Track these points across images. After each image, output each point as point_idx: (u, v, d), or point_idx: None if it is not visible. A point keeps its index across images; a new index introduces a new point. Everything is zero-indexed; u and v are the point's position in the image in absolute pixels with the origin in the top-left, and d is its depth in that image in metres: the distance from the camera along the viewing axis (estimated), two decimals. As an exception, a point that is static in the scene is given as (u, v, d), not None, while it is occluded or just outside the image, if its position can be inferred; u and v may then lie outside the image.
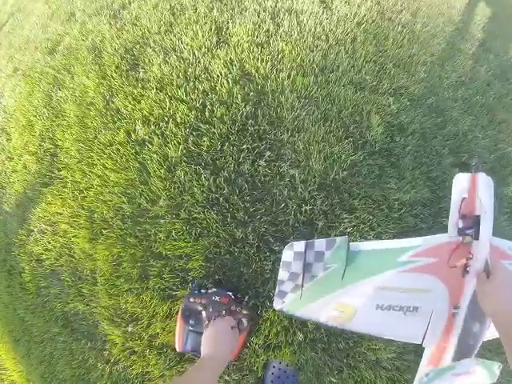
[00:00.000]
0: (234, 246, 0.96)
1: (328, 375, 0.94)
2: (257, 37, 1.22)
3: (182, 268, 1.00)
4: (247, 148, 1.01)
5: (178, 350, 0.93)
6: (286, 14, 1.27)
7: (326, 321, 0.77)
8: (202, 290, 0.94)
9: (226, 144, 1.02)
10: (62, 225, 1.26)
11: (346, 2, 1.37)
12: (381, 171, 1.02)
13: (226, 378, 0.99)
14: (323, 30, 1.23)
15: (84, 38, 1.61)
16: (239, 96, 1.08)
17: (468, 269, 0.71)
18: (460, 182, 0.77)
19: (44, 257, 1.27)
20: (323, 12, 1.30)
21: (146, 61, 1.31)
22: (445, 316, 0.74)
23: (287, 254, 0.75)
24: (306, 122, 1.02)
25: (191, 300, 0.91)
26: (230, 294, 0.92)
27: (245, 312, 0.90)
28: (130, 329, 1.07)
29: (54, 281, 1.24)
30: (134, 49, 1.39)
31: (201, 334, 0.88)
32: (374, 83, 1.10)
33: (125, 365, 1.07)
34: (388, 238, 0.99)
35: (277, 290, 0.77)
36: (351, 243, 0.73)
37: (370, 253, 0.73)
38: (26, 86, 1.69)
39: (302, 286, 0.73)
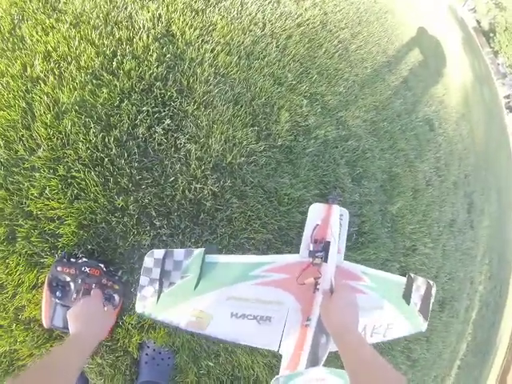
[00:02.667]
0: (112, 215, 0.74)
1: (205, 359, 0.81)
2: (195, 2, 0.95)
3: (53, 232, 0.75)
4: (147, 111, 0.78)
5: (45, 325, 0.71)
6: (233, -9, 1.02)
7: (186, 326, 0.70)
8: (72, 259, 0.72)
9: (126, 101, 0.77)
10: None
11: (295, 2, 1.16)
12: (277, 165, 0.88)
13: (99, 360, 0.79)
14: (263, 18, 1.02)
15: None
16: (155, 54, 0.82)
17: (318, 287, 0.69)
18: (316, 210, 0.76)
19: None
20: (270, 2, 1.08)
21: (70, -9, 0.96)
22: (298, 327, 0.72)
23: (148, 261, 0.67)
24: (216, 100, 0.83)
25: (58, 269, 0.70)
26: (102, 266, 0.72)
27: (116, 287, 0.72)
28: None
29: None
30: None
31: (66, 307, 0.68)
32: (294, 82, 0.94)
33: None
34: (273, 230, 0.87)
35: (138, 294, 0.68)
36: (208, 255, 0.68)
37: (225, 265, 0.69)
38: None
39: (161, 292, 0.67)
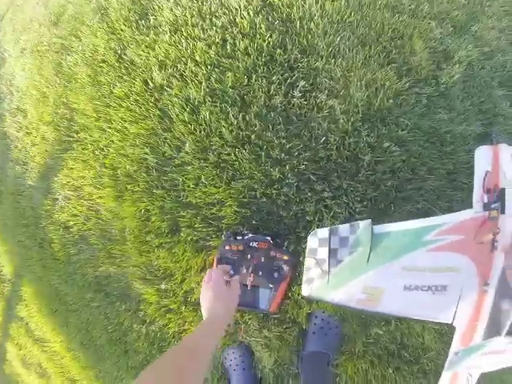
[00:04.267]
0: (271, 188, 0.74)
1: (374, 327, 0.76)
2: (275, -34, 0.93)
3: (215, 216, 0.78)
4: (278, 79, 0.76)
5: None
6: None
7: (356, 304, 0.67)
8: (238, 237, 0.74)
9: (254, 77, 0.78)
10: (86, 187, 1.04)
11: None
12: (429, 101, 0.77)
13: (266, 333, 0.79)
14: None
15: (88, 2, 1.31)
16: (263, 26, 0.81)
17: (496, 244, 0.61)
18: (482, 156, 0.66)
19: (71, 223, 1.06)
20: None
21: (156, 7, 1.03)
22: (475, 294, 0.64)
23: (312, 241, 0.66)
24: (341, 48, 0.77)
25: (226, 248, 0.72)
26: (269, 238, 0.72)
27: (285, 258, 0.71)
28: (163, 286, 0.88)
29: (84, 246, 1.03)
30: None
31: (243, 284, 0.70)
32: (413, 7, 0.83)
33: (161, 324, 0.89)
34: (441, 176, 0.76)
35: (304, 277, 0.68)
36: (375, 226, 0.64)
37: (395, 234, 0.64)
38: (35, 60, 1.41)
39: (329, 272, 0.65)
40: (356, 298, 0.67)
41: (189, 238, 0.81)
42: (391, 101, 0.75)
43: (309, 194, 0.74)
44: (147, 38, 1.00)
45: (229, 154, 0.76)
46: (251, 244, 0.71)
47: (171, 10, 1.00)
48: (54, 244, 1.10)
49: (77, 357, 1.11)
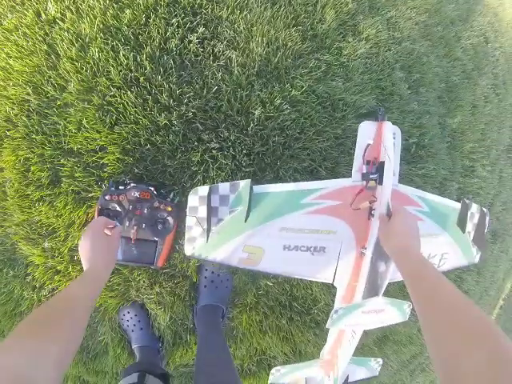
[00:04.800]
0: (157, 135, 0.68)
1: (264, 278, 0.76)
2: None
3: (97, 164, 0.71)
4: (177, 22, 0.71)
5: None
6: None
7: (238, 263, 0.66)
8: (120, 187, 0.68)
9: (152, 17, 0.71)
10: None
11: None
12: (328, 68, 0.78)
13: (158, 289, 0.75)
14: None
15: None
16: (173, -36, 0.76)
17: (373, 212, 0.65)
18: (366, 129, 0.69)
19: None
20: None
21: None
22: (353, 256, 0.68)
23: (192, 199, 0.63)
24: (251, 2, 0.75)
25: (107, 198, 0.66)
26: (152, 188, 0.67)
27: (169, 209, 0.67)
28: (46, 244, 0.79)
29: None
30: None
31: (123, 238, 0.65)
32: (334, -23, 0.84)
33: (50, 288, 0.81)
34: (328, 139, 0.77)
35: (186, 236, 0.65)
36: (255, 186, 0.63)
37: (274, 195, 0.64)
38: None
39: (210, 231, 0.63)
40: (237, 257, 0.66)
41: (70, 189, 0.73)
42: (290, 60, 0.74)
43: (195, 143, 0.69)
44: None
45: (114, 96, 0.69)
46: (133, 193, 0.65)
47: None
48: None
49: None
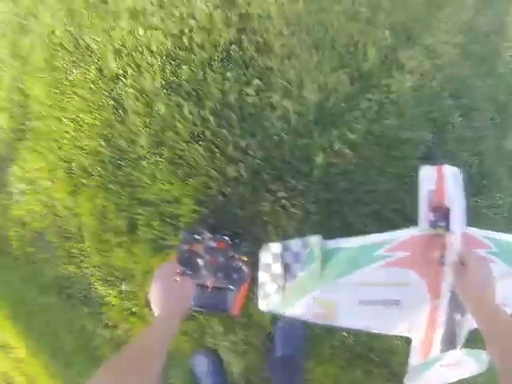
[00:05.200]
0: (227, 186, 0.75)
1: (339, 330, 0.77)
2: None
3: (172, 214, 0.78)
4: (233, 76, 0.77)
5: None
6: None
7: (313, 318, 0.68)
8: (197, 237, 0.73)
9: (209, 72, 0.78)
10: (41, 181, 1.00)
11: None
12: (380, 107, 0.81)
13: (232, 337, 0.80)
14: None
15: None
16: (220, 21, 0.82)
17: (443, 260, 0.64)
18: (426, 175, 0.69)
19: (28, 219, 1.01)
20: None
21: (117, -8, 0.99)
22: (427, 307, 0.67)
23: (265, 256, 0.66)
24: (296, 50, 0.79)
25: (184, 247, 0.70)
26: (227, 238, 0.71)
27: (245, 259, 0.70)
28: (123, 287, 0.86)
29: (42, 244, 0.99)
30: None
31: (200, 286, 0.69)
32: (369, 15, 0.87)
33: (125, 328, 0.88)
34: (391, 179, 0.80)
35: (260, 292, 0.67)
36: (326, 241, 0.65)
37: (346, 249, 0.66)
38: (-10, 39, 1.31)
39: (285, 287, 0.65)
40: (312, 312, 0.67)
41: (147, 237, 0.80)
42: (343, 104, 0.78)
43: (264, 193, 0.75)
44: (105, 24, 0.97)
45: (183, 150, 0.77)
46: (209, 244, 0.70)
47: (132, -4, 0.97)
48: (11, 241, 1.05)
49: (43, 364, 1.05)
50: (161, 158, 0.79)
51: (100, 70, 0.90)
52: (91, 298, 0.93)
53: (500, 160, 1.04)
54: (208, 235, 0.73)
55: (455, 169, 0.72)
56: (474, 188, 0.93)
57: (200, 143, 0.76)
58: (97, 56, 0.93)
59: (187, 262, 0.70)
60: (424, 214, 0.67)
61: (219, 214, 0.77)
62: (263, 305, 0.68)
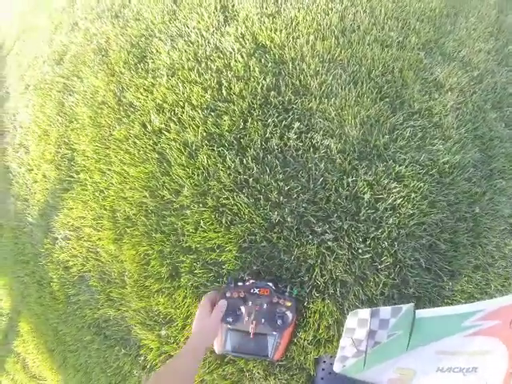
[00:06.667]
0: (271, 232, 0.76)
1: None
2: (266, 8, 1.00)
3: (215, 261, 0.80)
4: (273, 122, 0.80)
5: (217, 351, 0.74)
6: (294, -17, 1.05)
7: (387, 383, 0.67)
8: (239, 283, 0.75)
9: (249, 120, 0.82)
10: (86, 228, 1.08)
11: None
12: (424, 132, 0.80)
13: (272, 381, 0.78)
14: (336, -8, 1.01)
15: (89, 43, 1.41)
16: (256, 69, 0.87)
17: None
18: None
19: (70, 263, 1.09)
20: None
21: (154, 51, 1.11)
22: (502, 375, 0.62)
23: (352, 321, 0.67)
24: (334, 87, 0.81)
25: (227, 295, 0.73)
26: (271, 284, 0.73)
27: (288, 304, 0.71)
28: (163, 332, 0.88)
29: (83, 287, 1.06)
30: (140, 42, 1.19)
31: (242, 332, 0.71)
32: (400, 39, 0.88)
33: None
34: (442, 208, 0.78)
35: (338, 354, 0.68)
36: (419, 310, 0.65)
37: (437, 319, 0.65)
38: (38, 98, 1.51)
39: (366, 353, 0.65)
40: (387, 378, 0.67)
41: (189, 284, 0.82)
42: (387, 136, 0.77)
43: (310, 236, 0.75)
44: (145, 82, 1.07)
45: (227, 198, 0.79)
46: (253, 291, 0.72)
47: (168, 53, 1.07)
48: (53, 283, 1.14)
49: (74, 400, 1.11)
50: (204, 206, 0.81)
51: (144, 125, 0.98)
52: (129, 339, 0.95)
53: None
54: (251, 281, 0.74)
55: None
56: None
57: (243, 191, 0.78)
58: (139, 112, 1.02)
59: (229, 311, 0.72)
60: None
61: (263, 259, 0.76)
62: (339, 367, 0.67)
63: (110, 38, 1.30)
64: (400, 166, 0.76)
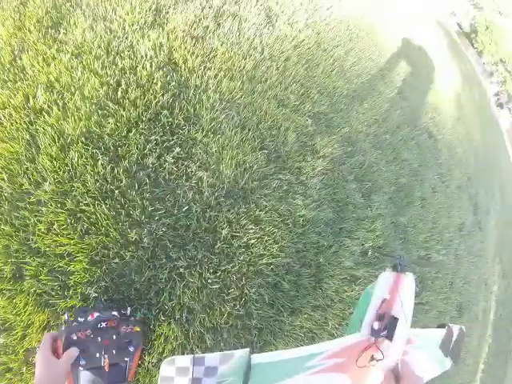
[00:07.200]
0: (126, 249, 0.76)
1: None
2: (194, 29, 1.03)
3: (63, 270, 0.76)
4: (155, 140, 0.82)
5: None
6: (230, 17, 1.11)
7: None
8: (80, 319, 0.70)
9: (133, 131, 0.82)
10: None
11: (289, 24, 1.27)
12: (289, 187, 0.93)
13: None
14: (261, 42, 1.11)
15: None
16: (159, 83, 0.88)
17: (372, 363, 0.63)
18: (384, 281, 0.70)
19: None
20: (265, 26, 1.18)
21: (71, 22, 1.02)
22: None
23: (168, 369, 0.60)
24: (223, 126, 0.89)
25: (74, 338, 0.67)
26: (116, 313, 0.71)
27: (137, 329, 0.71)
28: (1, 340, 0.78)
29: None
30: (63, 6, 1.07)
31: (95, 368, 0.67)
32: (297, 103, 1.02)
33: None
34: (290, 253, 0.91)
35: None
36: (256, 355, 0.61)
37: (274, 363, 0.64)
38: None
39: None
40: None
41: (32, 290, 0.76)
42: (256, 182, 0.88)
43: (163, 260, 0.78)
44: (48, 51, 0.97)
45: (88, 205, 0.77)
46: (99, 325, 0.70)
47: (84, 31, 1.00)
48: None
49: None
50: (62, 208, 0.78)
51: (27, 98, 0.89)
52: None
53: (394, 234, 1.24)
54: (96, 315, 0.70)
55: (411, 277, 0.73)
56: (366, 260, 1.10)
57: (106, 201, 0.77)
58: (28, 82, 0.92)
59: (80, 354, 0.66)
60: (369, 319, 0.66)
61: (113, 276, 0.76)
62: None
63: (31, -12, 1.14)
64: (260, 210, 0.87)
